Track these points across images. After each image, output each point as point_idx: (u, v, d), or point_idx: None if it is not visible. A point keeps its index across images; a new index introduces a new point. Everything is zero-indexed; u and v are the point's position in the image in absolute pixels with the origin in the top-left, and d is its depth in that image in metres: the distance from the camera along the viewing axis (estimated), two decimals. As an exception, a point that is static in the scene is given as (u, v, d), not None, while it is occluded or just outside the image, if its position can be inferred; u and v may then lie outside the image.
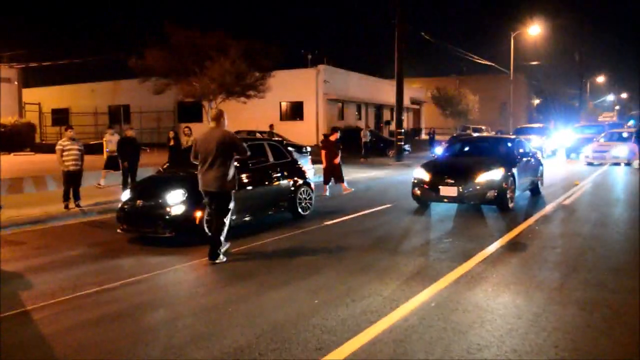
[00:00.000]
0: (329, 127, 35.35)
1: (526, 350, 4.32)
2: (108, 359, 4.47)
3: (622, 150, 22.86)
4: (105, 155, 16.28)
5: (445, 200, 11.22)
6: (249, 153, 7.98)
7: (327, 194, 14.67)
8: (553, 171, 19.87)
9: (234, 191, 7.83)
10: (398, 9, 24.57)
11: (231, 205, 7.77)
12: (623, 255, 7.31)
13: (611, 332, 4.64)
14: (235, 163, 9.28)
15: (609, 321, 4.89)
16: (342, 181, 15.03)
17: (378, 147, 31.78)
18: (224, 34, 23.23)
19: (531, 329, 4.76)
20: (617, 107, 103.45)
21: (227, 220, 7.72)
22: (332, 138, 15.12)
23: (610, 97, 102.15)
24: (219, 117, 7.78)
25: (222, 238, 7.67)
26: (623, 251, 7.52)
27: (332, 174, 14.89)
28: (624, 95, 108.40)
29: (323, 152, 14.97)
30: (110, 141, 16.24)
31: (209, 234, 8.67)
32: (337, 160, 14.84)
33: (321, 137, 34.48)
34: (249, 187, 9.67)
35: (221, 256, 7.64)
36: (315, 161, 20.08)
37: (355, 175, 20.79)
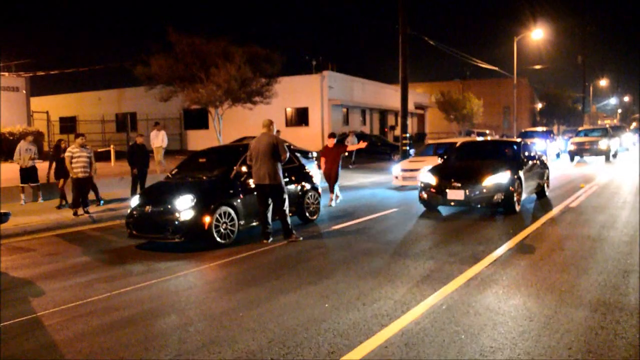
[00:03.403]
0: (332, 131, 35.40)
1: (539, 352, 4.31)
2: (121, 364, 4.49)
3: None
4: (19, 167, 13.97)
5: (452, 203, 11.22)
6: (287, 155, 9.26)
7: (333, 204, 13.71)
8: (558, 174, 19.85)
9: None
10: (401, 14, 24.59)
11: (285, 196, 9.21)
12: (633, 257, 7.28)
13: (625, 334, 4.62)
14: (243, 168, 9.56)
15: (622, 323, 4.86)
16: (332, 192, 13.84)
17: (383, 152, 31.74)
18: (229, 41, 23.30)
19: (544, 331, 4.75)
20: (619, 111, 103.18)
21: (286, 208, 9.22)
22: (330, 144, 14.13)
23: (613, 101, 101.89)
24: (269, 125, 9.35)
25: (289, 222, 9.24)
26: (633, 253, 7.49)
27: (329, 181, 13.85)
28: (627, 99, 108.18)
29: (322, 160, 14.01)
30: (29, 149, 14.11)
31: (218, 239, 8.76)
32: (335, 168, 13.69)
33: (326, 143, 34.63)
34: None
35: (294, 233, 9.22)
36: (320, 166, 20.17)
37: (361, 180, 20.83)
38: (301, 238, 9.25)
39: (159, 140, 21.19)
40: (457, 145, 17.03)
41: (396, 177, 17.71)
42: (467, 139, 20.17)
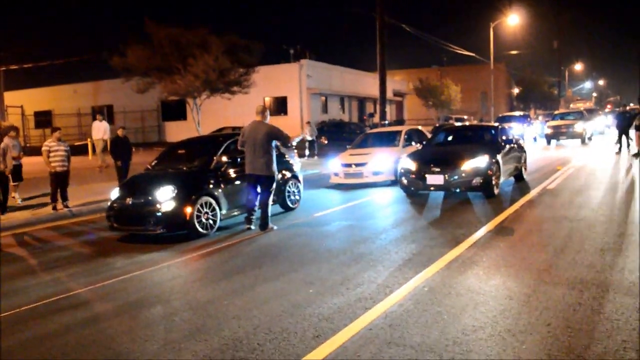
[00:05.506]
0: (313, 121, 35.46)
1: (520, 329, 4.42)
2: (108, 355, 4.49)
3: (383, 160, 14.49)
4: (8, 165, 12.33)
5: (432, 188, 11.33)
6: (292, 141, 9.42)
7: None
8: (536, 157, 20.11)
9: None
10: (378, 2, 24.61)
11: (274, 186, 9.25)
12: (608, 236, 7.44)
13: (602, 310, 4.74)
14: (224, 158, 9.56)
15: (599, 299, 4.99)
16: None
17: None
18: (206, 31, 23.15)
19: (523, 309, 4.86)
20: (594, 94, 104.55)
21: (270, 199, 9.22)
22: None
23: (589, 85, 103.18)
24: (263, 112, 9.16)
25: (268, 213, 9.11)
26: (608, 232, 7.66)
27: None
28: (602, 82, 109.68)
29: None
30: (15, 146, 12.89)
31: (200, 229, 8.77)
32: None
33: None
34: (238, 182, 9.69)
35: (270, 224, 9.08)
36: (300, 155, 20.06)
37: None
38: (275, 227, 9.26)
39: (100, 132, 20.46)
40: (431, 130, 16.89)
41: (335, 174, 15.04)
42: (412, 127, 18.33)
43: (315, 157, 25.15)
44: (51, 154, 11.89)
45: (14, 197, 13.10)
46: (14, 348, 4.79)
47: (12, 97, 37.10)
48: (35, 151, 17.99)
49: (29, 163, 14.46)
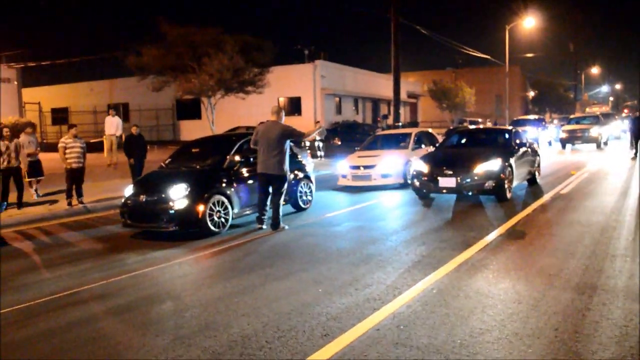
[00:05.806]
0: (327, 122, 35.53)
1: (527, 333, 4.42)
2: (118, 349, 4.56)
3: (392, 163, 14.33)
4: (24, 162, 12.74)
5: (444, 191, 11.33)
6: (305, 138, 9.73)
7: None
8: (550, 161, 19.99)
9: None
10: (393, 3, 24.57)
11: (285, 187, 9.26)
12: (620, 241, 7.41)
13: (611, 315, 4.73)
14: (237, 157, 9.65)
15: (608, 305, 4.98)
16: None
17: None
18: (220, 30, 23.29)
19: (531, 313, 4.86)
20: (611, 98, 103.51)
21: (282, 199, 9.28)
22: None
23: (605, 88, 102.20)
24: (279, 112, 9.32)
25: (280, 213, 9.15)
26: (620, 238, 7.62)
27: None
28: (619, 86, 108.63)
29: None
30: (31, 142, 13.22)
31: (212, 228, 8.85)
32: None
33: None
34: (250, 181, 9.76)
35: (281, 224, 9.15)
36: (313, 155, 20.03)
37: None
38: (286, 227, 9.30)
39: (112, 127, 19.84)
40: (447, 133, 16.81)
41: (343, 176, 14.74)
42: (422, 129, 18.02)
43: (323, 158, 24.97)
44: (67, 151, 12.05)
45: (35, 190, 13.30)
46: (23, 342, 4.87)
47: (30, 94, 37.53)
48: (52, 147, 18.13)
49: (46, 159, 14.59)
